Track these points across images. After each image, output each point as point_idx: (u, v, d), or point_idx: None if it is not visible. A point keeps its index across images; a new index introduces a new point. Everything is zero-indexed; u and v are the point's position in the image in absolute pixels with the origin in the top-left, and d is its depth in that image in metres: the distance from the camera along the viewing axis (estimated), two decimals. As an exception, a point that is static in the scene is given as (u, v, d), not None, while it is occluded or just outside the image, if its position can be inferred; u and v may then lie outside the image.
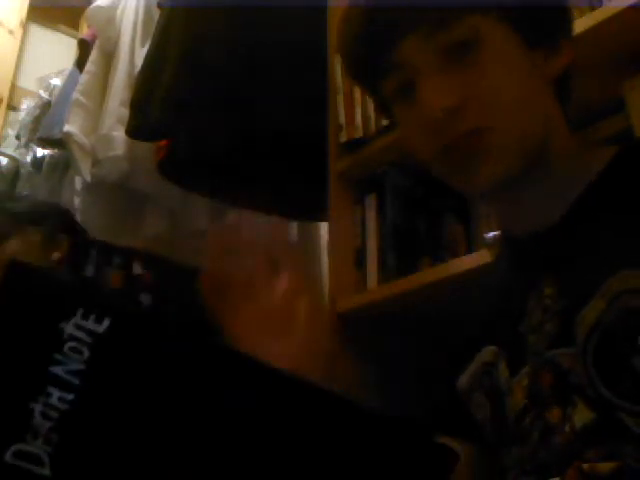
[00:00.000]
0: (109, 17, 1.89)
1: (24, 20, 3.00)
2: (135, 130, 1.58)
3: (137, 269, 2.01)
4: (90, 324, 0.36)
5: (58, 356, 0.35)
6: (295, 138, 1.52)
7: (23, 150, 2.47)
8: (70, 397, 0.35)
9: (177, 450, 0.38)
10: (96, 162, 1.77)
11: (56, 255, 1.53)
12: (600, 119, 1.10)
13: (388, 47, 0.64)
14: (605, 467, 0.53)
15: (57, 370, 0.35)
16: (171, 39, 1.53)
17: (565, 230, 0.63)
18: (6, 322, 0.36)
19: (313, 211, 1.75)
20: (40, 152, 2.31)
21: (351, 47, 0.70)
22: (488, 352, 0.67)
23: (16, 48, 2.94)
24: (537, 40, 0.65)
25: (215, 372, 0.39)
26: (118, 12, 1.90)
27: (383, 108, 0.74)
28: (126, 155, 1.73)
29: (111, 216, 1.84)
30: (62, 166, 2.13)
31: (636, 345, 0.52)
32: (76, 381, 0.36)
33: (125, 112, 1.66)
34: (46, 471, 0.34)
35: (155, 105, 1.50)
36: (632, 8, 0.93)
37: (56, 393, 0.35)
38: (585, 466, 0.54)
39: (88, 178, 1.80)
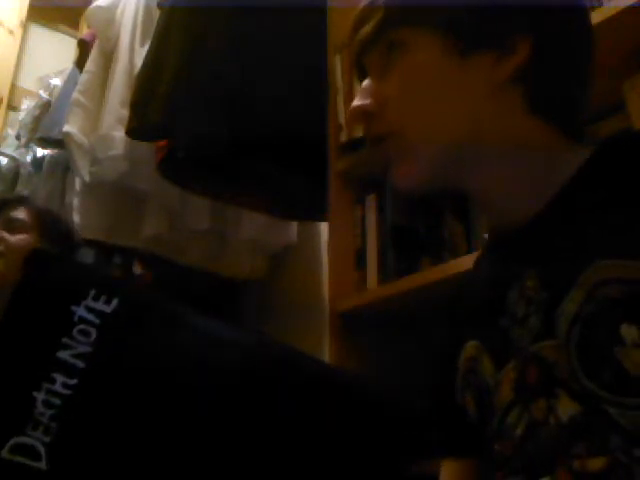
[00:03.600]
0: (109, 17, 1.89)
1: (24, 20, 3.00)
2: (135, 130, 1.58)
3: (137, 269, 2.01)
4: (100, 305, 0.36)
5: (67, 340, 0.35)
6: (295, 138, 1.52)
7: (23, 150, 2.47)
8: (73, 382, 0.35)
9: (181, 431, 0.37)
10: (96, 162, 1.77)
11: None
12: (600, 119, 1.10)
13: (362, 53, 0.72)
14: (595, 464, 0.53)
15: (64, 355, 0.35)
16: (171, 39, 1.53)
17: (546, 223, 0.64)
18: (23, 310, 0.36)
19: (313, 211, 1.75)
20: (40, 152, 2.31)
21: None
22: (470, 347, 0.67)
23: (16, 48, 2.94)
24: (476, 46, 0.65)
25: (224, 353, 0.39)
26: (118, 12, 1.90)
27: None
28: (126, 155, 1.73)
29: (111, 216, 1.84)
30: (62, 166, 2.13)
31: (617, 335, 0.52)
32: (81, 364, 0.35)
33: (125, 112, 1.66)
34: (42, 465, 0.34)
35: (155, 105, 1.50)
36: (632, 8, 0.93)
37: (60, 379, 0.35)
38: (575, 463, 0.54)
39: (87, 178, 1.80)
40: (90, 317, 0.36)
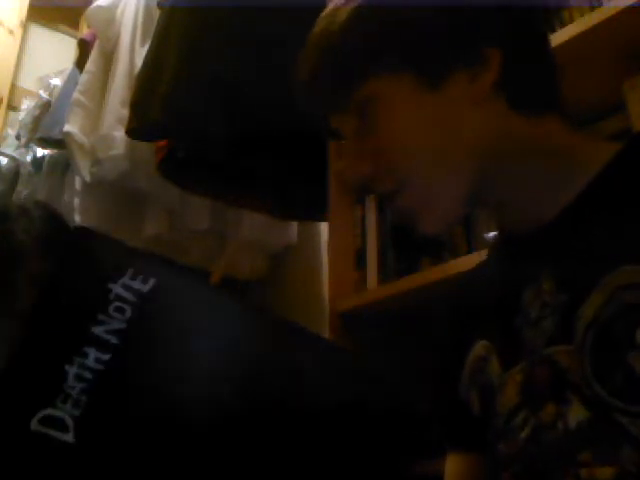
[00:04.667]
0: (109, 17, 1.89)
1: (24, 20, 3.00)
2: (135, 130, 1.58)
3: (137, 269, 2.01)
4: (137, 284, 0.36)
5: (102, 316, 0.35)
6: (295, 138, 1.52)
7: (23, 150, 2.47)
8: (106, 357, 0.35)
9: (215, 412, 0.37)
10: (96, 162, 1.77)
11: None
12: (600, 119, 1.10)
13: (323, 116, 0.71)
14: (604, 473, 0.52)
15: (99, 330, 0.35)
16: (171, 39, 1.53)
17: (565, 225, 0.62)
18: (62, 284, 0.36)
19: (313, 211, 1.75)
20: (40, 152, 2.31)
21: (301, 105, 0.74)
22: (480, 346, 0.67)
23: (16, 48, 2.94)
24: (446, 73, 0.63)
25: (259, 333, 0.39)
26: (118, 12, 1.90)
27: None
28: (126, 155, 1.73)
29: (111, 216, 1.84)
30: (62, 166, 2.13)
31: (633, 341, 0.52)
32: (115, 340, 0.35)
33: (125, 112, 1.66)
34: (69, 437, 0.34)
35: (155, 105, 1.50)
36: (632, 8, 0.93)
37: (93, 354, 0.35)
38: (583, 472, 0.53)
39: (87, 178, 1.80)
40: (127, 295, 0.36)
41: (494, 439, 0.63)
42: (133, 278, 0.36)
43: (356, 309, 1.35)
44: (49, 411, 0.34)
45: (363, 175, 0.66)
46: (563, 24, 1.03)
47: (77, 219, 1.83)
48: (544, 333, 0.59)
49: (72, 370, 0.35)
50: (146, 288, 0.36)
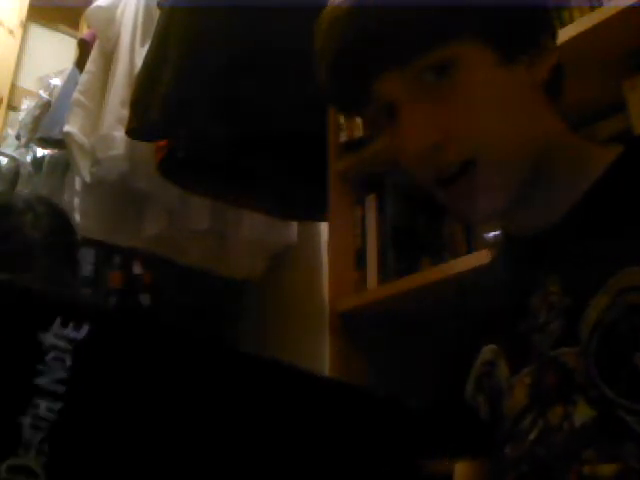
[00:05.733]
0: (109, 17, 1.89)
1: (24, 20, 2.99)
2: (135, 130, 1.58)
3: (137, 269, 2.01)
4: (69, 332, 0.36)
5: (41, 367, 0.35)
6: (295, 138, 1.52)
7: (23, 150, 2.47)
8: (58, 406, 0.35)
9: (171, 448, 0.38)
10: (96, 162, 1.77)
11: None
12: (600, 119, 1.10)
13: (365, 82, 0.62)
14: (607, 469, 0.52)
15: (42, 381, 0.35)
16: (171, 39, 1.53)
17: (569, 229, 0.62)
18: None
19: (313, 211, 1.75)
20: (40, 152, 2.31)
21: (327, 80, 0.67)
22: (488, 351, 0.67)
23: (16, 48, 2.94)
24: (517, 51, 0.63)
25: (201, 368, 0.39)
26: (118, 12, 1.90)
27: (370, 125, 0.73)
28: (126, 155, 1.73)
29: (111, 216, 1.84)
30: (62, 166, 2.13)
31: (637, 342, 0.52)
32: (62, 389, 0.36)
33: (125, 112, 1.66)
34: None
35: (155, 105, 1.50)
36: (632, 8, 0.93)
37: (44, 404, 0.35)
38: (586, 469, 0.53)
39: (87, 178, 1.80)
40: (61, 343, 0.36)
41: (501, 442, 0.63)
42: (64, 326, 0.36)
43: (356, 309, 1.35)
44: (14, 460, 0.34)
45: (428, 145, 0.60)
46: (563, 24, 1.03)
47: (77, 219, 1.83)
48: (550, 336, 0.59)
49: (26, 421, 0.35)
50: (81, 335, 0.37)
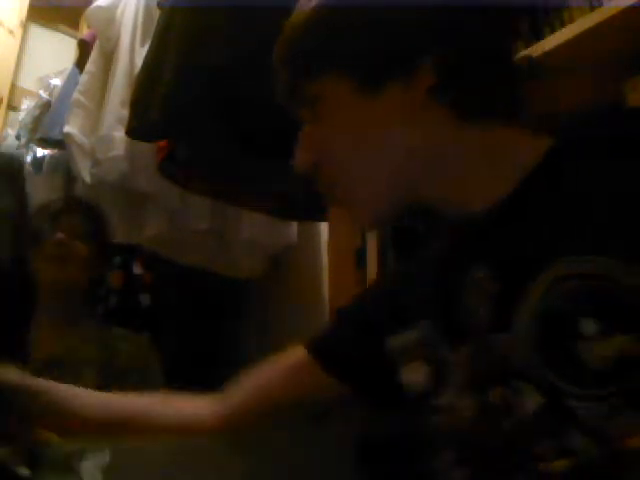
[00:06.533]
0: (109, 17, 1.89)
1: (24, 20, 2.99)
2: (135, 130, 1.58)
3: (137, 269, 2.01)
4: None
5: None
6: (295, 138, 1.52)
7: (23, 150, 2.47)
8: None
9: None
10: (96, 162, 1.77)
11: None
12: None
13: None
14: (560, 465, 0.54)
15: None
16: (171, 39, 1.53)
17: (501, 217, 0.64)
18: None
19: (313, 211, 1.75)
20: (40, 152, 2.31)
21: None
22: (426, 326, 0.69)
23: (16, 48, 2.94)
24: (384, 80, 0.66)
25: None
26: (118, 12, 1.90)
27: None
28: (126, 155, 1.73)
29: (111, 216, 1.84)
30: (62, 166, 2.13)
31: (577, 330, 0.53)
32: None
33: (125, 112, 1.66)
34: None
35: (155, 105, 1.50)
36: (632, 8, 0.93)
37: None
38: (541, 465, 0.55)
39: (88, 179, 1.81)
40: None
41: (428, 411, 0.66)
42: None
43: (356, 309, 1.35)
44: None
45: (307, 163, 0.72)
46: (563, 24, 1.03)
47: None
48: (482, 320, 0.61)
49: None
50: None
